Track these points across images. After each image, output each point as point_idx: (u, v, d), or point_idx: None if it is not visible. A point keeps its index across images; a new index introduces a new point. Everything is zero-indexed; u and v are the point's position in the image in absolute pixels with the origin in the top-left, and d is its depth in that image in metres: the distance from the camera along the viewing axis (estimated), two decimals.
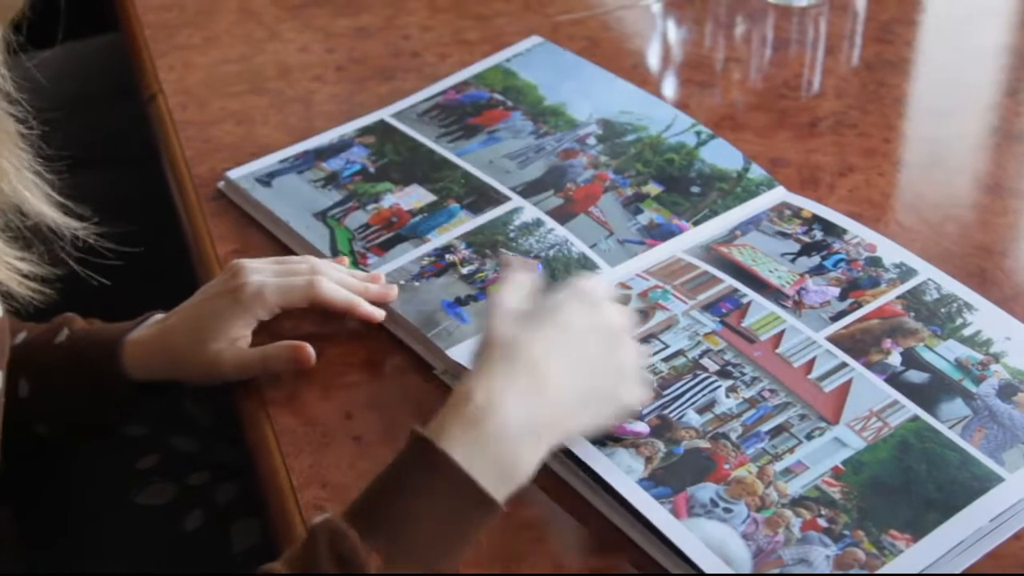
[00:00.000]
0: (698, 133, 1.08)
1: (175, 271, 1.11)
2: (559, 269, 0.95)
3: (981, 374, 0.85)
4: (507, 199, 1.02)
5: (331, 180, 1.06)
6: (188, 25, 1.32)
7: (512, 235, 0.99)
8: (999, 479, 0.78)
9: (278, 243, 1.02)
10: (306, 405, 0.88)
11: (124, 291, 1.21)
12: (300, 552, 0.70)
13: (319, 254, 0.98)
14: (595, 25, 1.31)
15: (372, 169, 1.07)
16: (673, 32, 1.32)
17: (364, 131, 1.12)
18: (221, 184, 1.08)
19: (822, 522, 0.76)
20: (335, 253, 0.98)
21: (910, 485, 0.78)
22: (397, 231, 1.00)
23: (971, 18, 1.33)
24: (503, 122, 1.11)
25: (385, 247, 0.99)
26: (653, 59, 1.29)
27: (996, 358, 0.87)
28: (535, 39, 1.22)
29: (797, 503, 0.77)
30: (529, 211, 1.01)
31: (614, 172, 1.04)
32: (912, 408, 0.83)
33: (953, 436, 0.81)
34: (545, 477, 0.81)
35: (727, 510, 0.77)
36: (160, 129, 1.18)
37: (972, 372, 0.86)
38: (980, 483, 0.78)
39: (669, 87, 1.23)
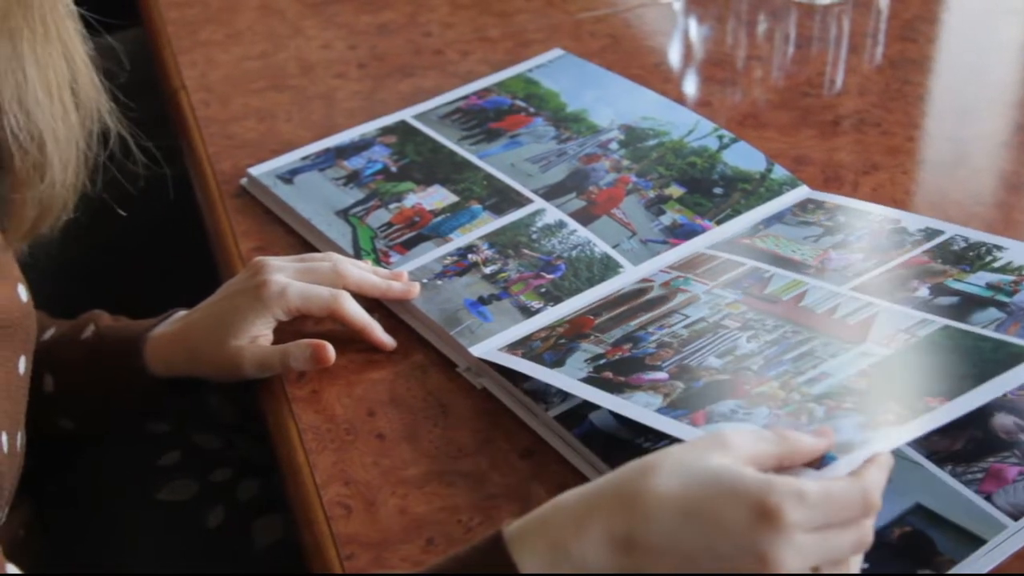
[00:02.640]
0: (720, 137, 1.08)
1: (197, 267, 1.11)
2: (581, 269, 0.95)
3: (1015, 289, 0.82)
4: (529, 201, 1.02)
5: (353, 179, 1.06)
6: (211, 21, 1.33)
7: (535, 236, 0.98)
8: None
9: (301, 240, 1.02)
10: (329, 402, 0.88)
11: (146, 287, 1.21)
12: None
13: (342, 251, 0.98)
14: (617, 23, 1.31)
15: (394, 168, 1.07)
16: (695, 30, 1.32)
17: (385, 131, 1.12)
18: (243, 181, 1.08)
19: (848, 405, 0.72)
20: (357, 251, 0.98)
21: (943, 368, 0.74)
22: (419, 230, 1.00)
23: (995, 15, 1.32)
24: (525, 127, 1.11)
25: (408, 246, 0.99)
26: (675, 57, 1.29)
27: None
28: (557, 51, 1.22)
29: (821, 397, 0.74)
30: (551, 213, 1.01)
31: (636, 175, 1.04)
32: (942, 321, 0.79)
33: (987, 332, 0.77)
34: (566, 473, 0.82)
35: (747, 414, 0.74)
36: (182, 125, 1.19)
37: (1005, 289, 0.82)
38: (1017, 359, 0.73)
39: (691, 85, 1.23)
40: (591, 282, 0.94)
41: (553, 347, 0.87)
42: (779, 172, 1.04)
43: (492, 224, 1.00)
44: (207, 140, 1.15)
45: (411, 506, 0.80)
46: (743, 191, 1.02)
